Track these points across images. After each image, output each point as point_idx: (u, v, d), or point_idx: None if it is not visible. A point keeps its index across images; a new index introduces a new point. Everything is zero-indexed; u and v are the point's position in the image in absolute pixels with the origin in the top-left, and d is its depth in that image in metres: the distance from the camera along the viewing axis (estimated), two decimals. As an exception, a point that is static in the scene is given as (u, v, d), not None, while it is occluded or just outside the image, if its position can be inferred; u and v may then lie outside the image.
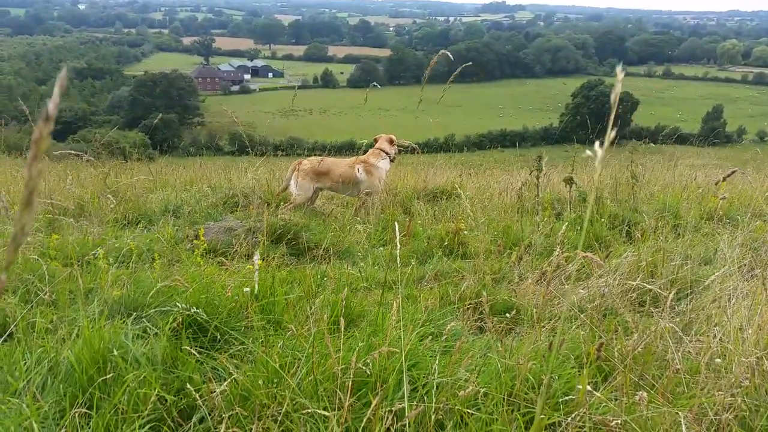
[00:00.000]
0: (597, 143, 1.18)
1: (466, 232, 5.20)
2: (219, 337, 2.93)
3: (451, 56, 3.43)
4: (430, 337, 2.84)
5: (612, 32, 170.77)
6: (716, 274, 3.46)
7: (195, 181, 8.06)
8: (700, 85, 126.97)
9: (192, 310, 2.74)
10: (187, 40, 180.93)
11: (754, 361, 2.41)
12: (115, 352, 2.57)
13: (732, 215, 5.62)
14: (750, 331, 2.67)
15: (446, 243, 5.10)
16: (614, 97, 1.14)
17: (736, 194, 6.49)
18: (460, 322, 3.48)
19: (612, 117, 1.12)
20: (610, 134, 1.16)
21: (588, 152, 1.21)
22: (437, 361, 2.47)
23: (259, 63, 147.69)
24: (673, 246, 4.28)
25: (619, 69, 1.12)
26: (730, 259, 3.83)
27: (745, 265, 3.92)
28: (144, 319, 3.08)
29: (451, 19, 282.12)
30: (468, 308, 3.61)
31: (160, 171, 9.20)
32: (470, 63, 3.38)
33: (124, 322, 2.97)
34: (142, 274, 3.71)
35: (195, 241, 4.43)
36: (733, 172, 5.21)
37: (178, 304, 2.74)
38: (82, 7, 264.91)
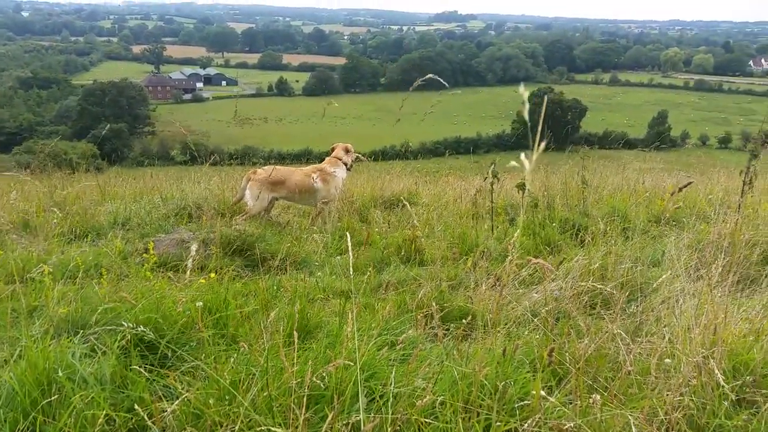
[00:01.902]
0: (522, 155, 1.20)
1: (422, 239, 5.22)
2: (170, 353, 2.85)
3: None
4: (388, 347, 2.83)
5: (560, 41, 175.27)
6: (664, 276, 3.56)
7: (145, 192, 7.86)
8: (646, 92, 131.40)
9: (139, 329, 2.65)
10: (137, 49, 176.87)
11: (700, 361, 2.48)
12: (60, 373, 2.46)
13: (678, 218, 5.81)
14: (697, 331, 2.75)
15: (403, 250, 5.11)
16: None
17: (681, 197, 6.72)
18: (418, 329, 3.47)
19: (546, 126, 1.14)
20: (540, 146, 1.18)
21: (513, 163, 1.23)
22: (394, 371, 2.46)
23: (211, 71, 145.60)
24: (622, 249, 4.39)
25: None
26: (678, 261, 3.96)
27: (691, 266, 4.05)
28: (92, 337, 2.97)
29: (405, 28, 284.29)
30: (425, 316, 3.62)
31: (109, 182, 8.94)
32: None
33: (70, 340, 2.86)
34: (90, 291, 3.59)
35: (145, 255, 4.31)
36: (689, 184, 5.37)
37: (124, 323, 2.65)
38: (25, 14, 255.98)
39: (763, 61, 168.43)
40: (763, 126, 5.18)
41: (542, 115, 1.20)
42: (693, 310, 2.99)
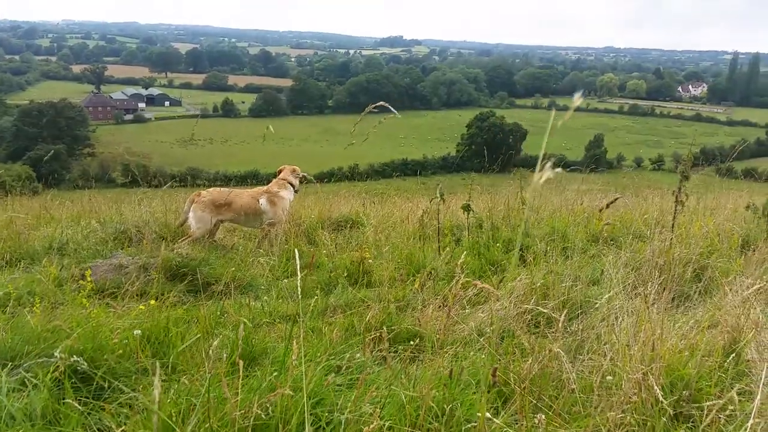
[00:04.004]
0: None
1: (370, 260, 5.21)
2: (106, 385, 2.72)
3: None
4: (335, 372, 2.79)
5: (501, 67, 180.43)
6: (603, 294, 3.66)
7: (83, 215, 7.57)
8: (583, 116, 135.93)
9: (73, 359, 2.53)
10: (77, 68, 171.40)
11: (640, 377, 2.55)
12: (-15, 411, 2.32)
13: (615, 237, 6.01)
14: (636, 348, 2.83)
15: (351, 272, 5.09)
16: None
17: (618, 217, 6.96)
18: (366, 353, 3.45)
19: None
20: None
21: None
22: (342, 397, 2.42)
23: (154, 91, 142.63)
24: (563, 268, 4.50)
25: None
26: (616, 279, 4.08)
27: (629, 284, 4.18)
28: (22, 370, 2.81)
29: (351, 51, 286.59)
30: (374, 338, 3.60)
31: (44, 206, 8.58)
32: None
33: (-2, 374, 2.70)
34: (21, 320, 3.40)
35: (81, 282, 4.13)
36: (615, 200, 5.59)
37: (56, 354, 2.51)
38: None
39: (690, 87, 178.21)
40: (692, 149, 5.45)
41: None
42: (632, 327, 3.08)
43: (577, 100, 1.38)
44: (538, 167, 1.36)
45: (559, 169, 1.36)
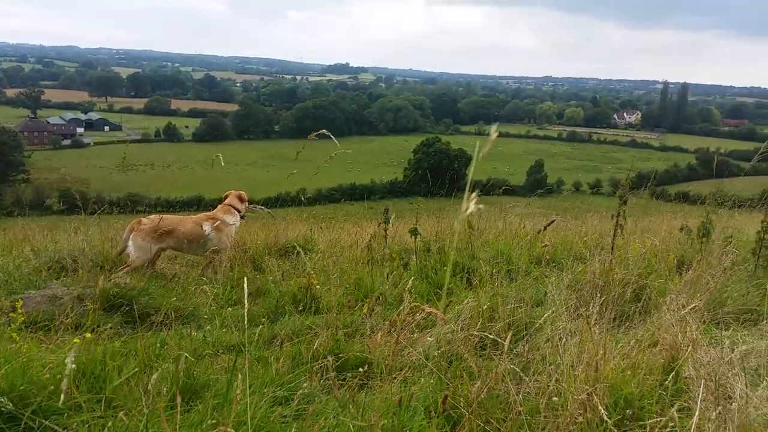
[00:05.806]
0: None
1: (318, 286, 5.15)
2: (36, 425, 2.56)
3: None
4: (282, 403, 2.72)
5: (446, 94, 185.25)
6: (546, 315, 3.72)
7: (15, 244, 7.21)
8: (524, 142, 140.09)
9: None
10: (11, 92, 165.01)
11: (585, 397, 2.59)
12: None
13: (557, 259, 6.15)
14: (580, 368, 2.88)
15: (298, 299, 5.00)
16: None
17: (559, 240, 7.13)
18: (314, 382, 3.38)
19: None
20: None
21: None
22: (289, 429, 2.35)
23: (94, 116, 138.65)
24: (507, 290, 4.56)
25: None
26: (558, 301, 4.16)
27: (571, 305, 4.27)
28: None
29: (298, 77, 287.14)
30: (321, 366, 3.53)
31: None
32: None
33: None
34: (-58, 357, 3.18)
35: (12, 314, 3.90)
36: (552, 222, 5.75)
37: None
38: None
39: (625, 114, 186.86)
40: (629, 174, 5.68)
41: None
42: (575, 347, 3.14)
43: (494, 133, 1.46)
44: (465, 197, 1.39)
45: (482, 206, 1.39)
